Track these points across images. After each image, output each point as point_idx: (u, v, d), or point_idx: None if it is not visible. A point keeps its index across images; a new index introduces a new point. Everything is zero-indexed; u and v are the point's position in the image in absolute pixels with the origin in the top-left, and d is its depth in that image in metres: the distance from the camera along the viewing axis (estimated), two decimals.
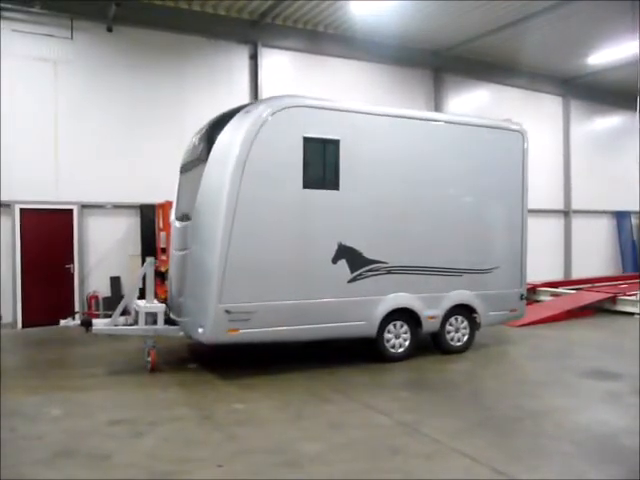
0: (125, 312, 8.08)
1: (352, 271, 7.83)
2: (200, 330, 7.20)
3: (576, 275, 18.16)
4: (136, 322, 7.77)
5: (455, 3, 12.30)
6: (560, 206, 18.57)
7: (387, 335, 8.23)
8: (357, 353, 8.60)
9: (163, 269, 10.98)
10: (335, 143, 7.70)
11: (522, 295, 9.25)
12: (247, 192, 7.10)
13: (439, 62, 15.66)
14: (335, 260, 7.71)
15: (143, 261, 11.71)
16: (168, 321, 7.98)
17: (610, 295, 13.21)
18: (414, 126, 8.46)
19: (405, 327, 8.36)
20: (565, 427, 5.70)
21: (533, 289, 14.26)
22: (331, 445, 5.20)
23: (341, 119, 7.85)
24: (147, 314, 7.64)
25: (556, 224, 18.51)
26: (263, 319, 7.25)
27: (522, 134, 9.22)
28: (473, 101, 16.70)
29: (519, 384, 7.36)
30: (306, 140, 7.47)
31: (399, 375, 7.69)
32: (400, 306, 8.22)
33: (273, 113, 7.27)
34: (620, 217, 19.82)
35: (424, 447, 5.17)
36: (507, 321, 9.66)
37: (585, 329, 11.15)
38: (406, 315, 8.34)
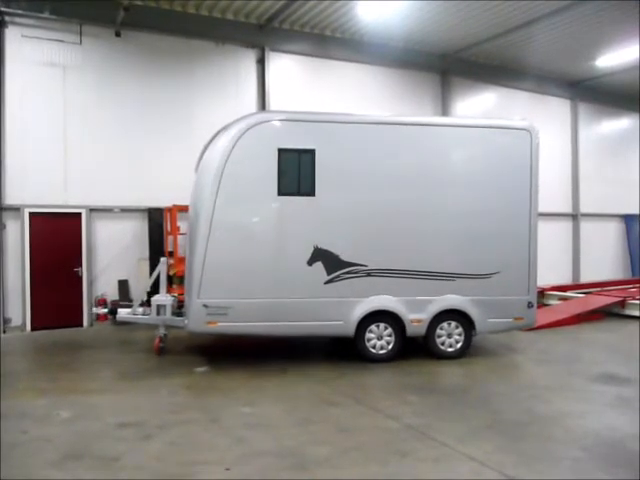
0: (143, 304, 9.17)
1: (329, 273, 8.18)
2: (185, 321, 8.27)
3: (585, 279, 18.06)
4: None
5: (462, 6, 12.30)
6: (568, 209, 18.51)
7: (368, 336, 8.40)
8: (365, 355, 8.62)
9: (171, 273, 11.04)
10: (311, 152, 8.15)
11: (530, 303, 8.76)
12: (224, 201, 7.90)
13: (446, 65, 15.66)
14: (311, 262, 8.12)
15: (151, 264, 11.85)
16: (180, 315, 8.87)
17: (619, 299, 13.11)
18: (397, 131, 8.57)
19: (389, 329, 8.43)
20: (574, 432, 5.67)
21: (541, 293, 14.17)
22: (339, 449, 5.20)
23: (317, 129, 8.34)
24: (158, 306, 8.72)
25: (564, 227, 18.43)
26: (240, 314, 7.96)
27: (530, 132, 8.74)
28: (481, 104, 16.69)
29: (528, 388, 7.32)
30: (281, 151, 8.05)
31: (407, 379, 7.66)
32: (380, 308, 8.34)
33: (248, 129, 7.99)
34: (629, 220, 19.70)
35: (432, 451, 5.16)
36: (512, 329, 9.29)
37: (594, 333, 11.08)
38: (389, 317, 8.41)
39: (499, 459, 4.94)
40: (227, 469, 4.76)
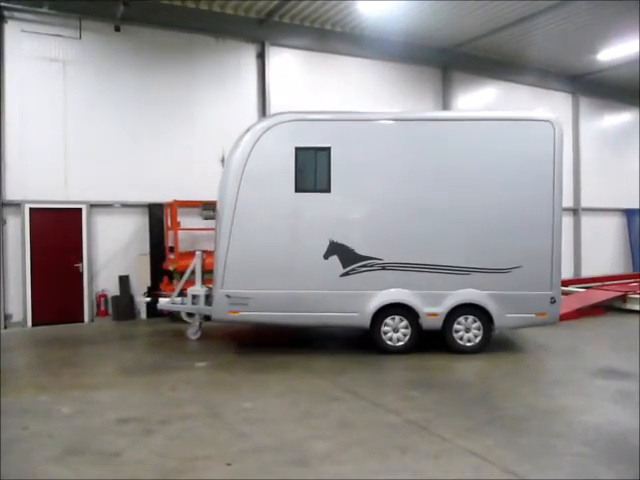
0: (181, 294, 9.89)
1: (344, 266, 8.43)
2: (211, 310, 8.81)
3: (586, 273, 18.05)
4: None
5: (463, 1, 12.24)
6: (569, 204, 18.44)
7: (384, 328, 8.55)
8: (368, 350, 8.61)
9: (171, 268, 11.05)
10: (326, 150, 8.42)
11: (552, 298, 8.49)
12: (245, 197, 8.36)
13: (447, 59, 15.60)
14: (327, 256, 8.41)
15: (152, 260, 11.87)
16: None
17: (620, 294, 13.09)
18: (412, 127, 8.68)
19: (404, 322, 8.53)
20: (576, 427, 5.67)
21: None
22: (340, 444, 5.19)
23: (333, 128, 8.65)
24: (194, 296, 9.50)
25: (565, 222, 18.23)
26: (260, 304, 8.41)
27: (552, 124, 8.48)
28: (482, 98, 16.64)
29: (529, 383, 7.32)
30: (298, 150, 8.40)
31: (409, 374, 7.66)
32: (394, 301, 8.47)
33: (267, 129, 8.42)
34: (630, 215, 19.68)
35: (433, 446, 5.15)
36: (534, 325, 8.92)
37: (595, 328, 11.06)
38: (404, 310, 8.50)
39: (500, 454, 4.93)
40: (228, 464, 4.76)
